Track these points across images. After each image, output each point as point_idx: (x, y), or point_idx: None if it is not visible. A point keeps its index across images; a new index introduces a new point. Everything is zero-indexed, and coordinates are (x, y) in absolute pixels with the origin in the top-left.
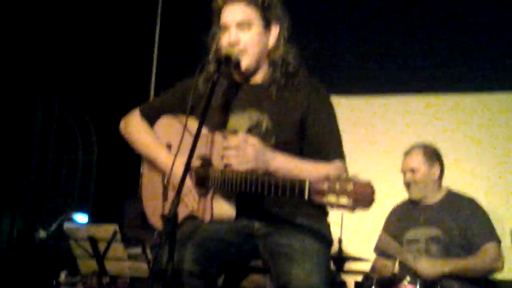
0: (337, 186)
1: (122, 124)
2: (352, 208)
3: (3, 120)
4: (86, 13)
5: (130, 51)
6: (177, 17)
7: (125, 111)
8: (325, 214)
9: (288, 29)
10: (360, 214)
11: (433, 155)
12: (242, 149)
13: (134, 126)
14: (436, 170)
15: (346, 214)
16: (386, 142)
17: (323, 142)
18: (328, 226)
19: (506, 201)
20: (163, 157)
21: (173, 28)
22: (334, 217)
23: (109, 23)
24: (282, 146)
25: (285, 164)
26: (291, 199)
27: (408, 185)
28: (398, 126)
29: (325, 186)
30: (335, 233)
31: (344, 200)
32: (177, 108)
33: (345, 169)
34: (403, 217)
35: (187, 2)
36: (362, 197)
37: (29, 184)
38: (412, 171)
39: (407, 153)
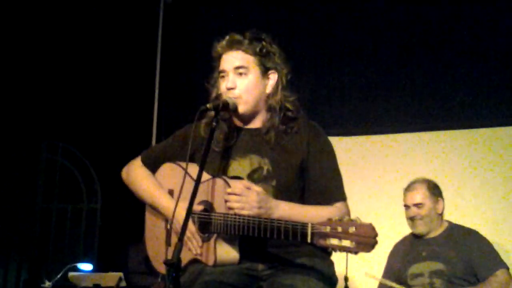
0: (340, 229)
1: (124, 173)
2: (355, 250)
3: (7, 171)
4: (87, 62)
5: (131, 99)
6: (178, 63)
7: (127, 159)
8: (329, 253)
9: (288, 76)
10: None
11: (435, 190)
12: (245, 195)
13: (136, 174)
14: (440, 204)
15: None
16: (384, 180)
17: (324, 185)
18: (332, 265)
19: (509, 234)
20: (165, 203)
21: (174, 76)
22: (339, 254)
23: (109, 72)
24: (283, 189)
25: (288, 212)
26: (296, 241)
27: (412, 219)
28: (395, 164)
29: (328, 229)
30: (341, 270)
31: (347, 242)
32: (178, 155)
33: (348, 210)
34: (406, 253)
35: (187, 49)
36: (365, 239)
37: (34, 234)
38: (417, 206)
39: (410, 188)
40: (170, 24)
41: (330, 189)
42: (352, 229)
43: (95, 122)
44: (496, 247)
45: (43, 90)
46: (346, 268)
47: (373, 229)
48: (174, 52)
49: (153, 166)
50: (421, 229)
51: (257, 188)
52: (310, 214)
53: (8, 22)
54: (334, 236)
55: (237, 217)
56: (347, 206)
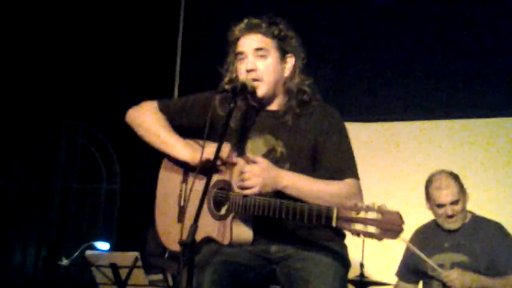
0: (366, 214)
1: (132, 112)
2: (380, 237)
3: (28, 150)
4: (110, 44)
5: (152, 81)
6: (198, 47)
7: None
8: (342, 237)
9: (303, 60)
10: None
11: (461, 183)
12: (247, 170)
13: (148, 115)
14: (467, 197)
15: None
16: (400, 167)
17: (335, 162)
18: (345, 249)
19: None
20: (181, 147)
21: (195, 59)
22: (355, 241)
23: (132, 54)
24: (296, 171)
25: (295, 182)
26: (319, 224)
27: (451, 217)
28: (411, 151)
29: (354, 214)
30: (356, 257)
31: (372, 229)
32: (193, 123)
33: (359, 190)
34: (428, 242)
35: (208, 33)
36: (391, 227)
37: (53, 214)
38: (454, 203)
39: (442, 185)
40: (192, 6)
41: (341, 166)
42: (378, 216)
43: (117, 103)
44: None
45: (66, 71)
46: (362, 254)
47: (401, 217)
48: (195, 35)
49: (169, 117)
50: (457, 225)
51: (257, 158)
52: (319, 186)
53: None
54: (360, 222)
55: (258, 197)
56: (359, 185)
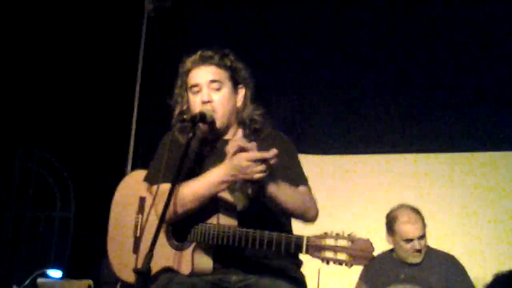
0: (335, 242)
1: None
2: (350, 264)
3: None
4: (67, 70)
5: (109, 108)
6: (158, 75)
7: (103, 168)
8: (300, 266)
9: (253, 90)
10: (337, 267)
11: (423, 218)
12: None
13: (161, 201)
14: (426, 232)
15: (323, 267)
16: (363, 199)
17: (289, 175)
18: (303, 277)
19: (483, 255)
20: (208, 181)
21: (154, 86)
22: (311, 270)
23: (88, 79)
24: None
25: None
26: (287, 253)
27: (419, 251)
28: (373, 184)
29: (323, 242)
30: (312, 286)
31: (342, 256)
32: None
33: (310, 192)
34: (383, 272)
35: (168, 62)
36: (362, 254)
37: (5, 241)
38: (421, 238)
39: (411, 220)
40: (152, 36)
41: (294, 177)
42: (348, 243)
43: (72, 130)
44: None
45: (21, 97)
46: (318, 284)
47: (371, 244)
48: (155, 64)
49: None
50: (421, 259)
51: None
52: (287, 186)
53: None
54: (330, 249)
55: (221, 227)
56: (310, 189)
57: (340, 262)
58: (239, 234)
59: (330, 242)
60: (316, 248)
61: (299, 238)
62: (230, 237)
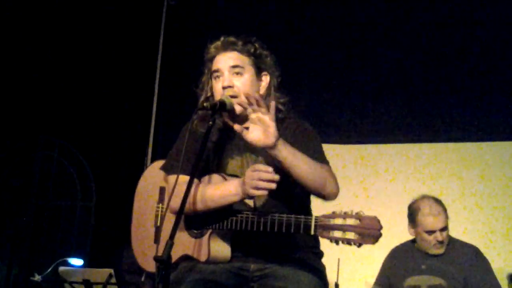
0: (343, 221)
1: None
2: (358, 242)
3: (3, 167)
4: (88, 60)
5: (130, 98)
6: (178, 64)
7: (124, 157)
8: (320, 256)
9: (278, 79)
10: (357, 258)
11: (446, 209)
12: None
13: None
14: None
15: (343, 257)
16: (382, 189)
17: (310, 156)
18: (323, 269)
19: (503, 247)
20: (231, 192)
21: (174, 75)
22: (331, 261)
23: (110, 70)
24: (279, 185)
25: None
26: (296, 235)
27: (441, 243)
28: (395, 173)
29: (331, 221)
30: (331, 276)
31: (350, 235)
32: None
33: (332, 172)
34: (404, 263)
35: (188, 50)
36: (369, 232)
37: (27, 231)
38: (443, 229)
39: (433, 212)
40: (172, 25)
41: (316, 157)
42: (356, 222)
43: (93, 119)
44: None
45: (43, 86)
46: (338, 274)
47: (378, 221)
48: (175, 52)
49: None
50: (443, 250)
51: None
52: (308, 158)
53: (10, 16)
54: (338, 228)
55: (234, 212)
56: (331, 168)
57: (348, 242)
58: (251, 218)
59: (338, 221)
60: (324, 227)
61: (308, 218)
62: (241, 221)
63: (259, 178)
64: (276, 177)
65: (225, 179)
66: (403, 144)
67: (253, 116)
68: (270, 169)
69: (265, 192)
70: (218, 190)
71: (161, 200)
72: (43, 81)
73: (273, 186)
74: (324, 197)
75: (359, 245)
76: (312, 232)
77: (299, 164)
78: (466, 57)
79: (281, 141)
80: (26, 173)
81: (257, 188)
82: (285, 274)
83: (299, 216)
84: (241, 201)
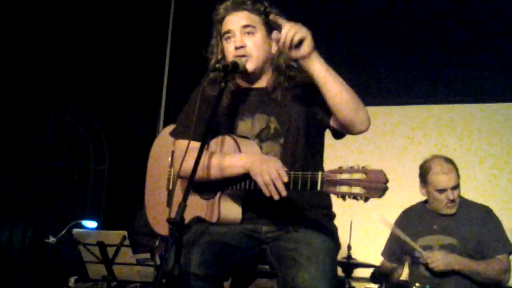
0: (350, 176)
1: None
2: (365, 196)
3: (16, 130)
4: (99, 24)
5: (141, 63)
6: (189, 25)
7: (136, 121)
8: (332, 218)
9: None
10: (368, 220)
11: (457, 168)
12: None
13: (188, 160)
14: (460, 182)
15: (355, 219)
16: (393, 151)
17: None
18: (335, 230)
19: None
20: (237, 165)
21: (185, 37)
22: (343, 223)
23: (121, 33)
24: (291, 145)
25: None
26: (303, 191)
27: (452, 202)
28: (405, 134)
29: (338, 176)
30: (344, 239)
31: (357, 189)
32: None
33: None
34: (416, 223)
35: (198, 13)
36: (375, 185)
37: (41, 193)
38: (455, 188)
39: (444, 171)
40: None
41: None
42: (362, 176)
43: (106, 84)
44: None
45: (56, 50)
46: (350, 236)
47: (384, 174)
48: (186, 18)
49: (200, 137)
50: (455, 210)
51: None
52: (342, 80)
53: None
54: (345, 183)
55: None
56: None
57: (354, 196)
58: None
59: (344, 176)
60: (331, 183)
61: (314, 174)
62: (250, 180)
63: (273, 180)
64: (284, 193)
65: (236, 142)
66: (413, 105)
67: (287, 32)
68: (286, 178)
69: (263, 187)
70: (229, 161)
71: (172, 164)
72: (57, 45)
73: (275, 195)
74: (356, 125)
75: (366, 200)
76: (319, 188)
77: (334, 79)
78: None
79: (316, 53)
80: (39, 137)
81: (264, 182)
82: (297, 236)
83: (305, 173)
84: None
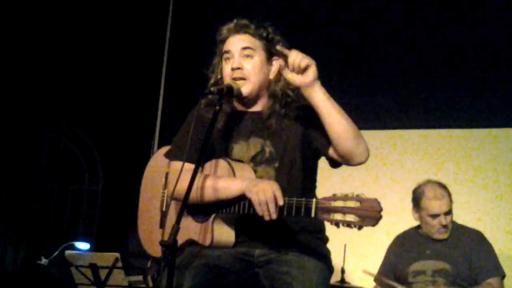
0: (344, 203)
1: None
2: (359, 225)
3: (11, 150)
4: (94, 43)
5: (136, 82)
6: (185, 48)
7: (131, 141)
8: (325, 241)
9: None
10: (363, 244)
11: (450, 194)
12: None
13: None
14: (453, 208)
15: (350, 243)
16: (386, 176)
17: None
18: (328, 253)
19: (509, 232)
20: (235, 187)
21: (181, 58)
22: (337, 246)
23: (116, 53)
24: (286, 170)
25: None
26: (300, 219)
27: (445, 227)
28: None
29: (332, 204)
30: (338, 262)
31: (351, 217)
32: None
33: None
34: (409, 249)
35: (195, 34)
36: (369, 213)
37: (34, 214)
38: (447, 213)
39: (437, 196)
40: (180, 10)
41: None
42: (356, 204)
43: (101, 104)
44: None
45: (50, 70)
46: (344, 260)
47: (378, 203)
48: (183, 38)
49: (194, 159)
50: (447, 235)
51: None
52: (343, 111)
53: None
54: (338, 211)
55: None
56: None
57: (348, 224)
58: (245, 202)
59: (339, 203)
60: (325, 210)
61: (309, 201)
62: (243, 205)
63: (267, 201)
64: (274, 216)
65: (231, 165)
66: (407, 130)
67: (294, 58)
68: (281, 201)
69: (257, 206)
70: (224, 183)
71: (166, 185)
72: (50, 65)
73: (266, 216)
74: (355, 156)
75: (360, 228)
76: (313, 215)
77: (335, 110)
78: (472, 43)
79: (318, 83)
80: (34, 157)
81: (258, 200)
82: (290, 260)
83: (300, 199)
84: None
